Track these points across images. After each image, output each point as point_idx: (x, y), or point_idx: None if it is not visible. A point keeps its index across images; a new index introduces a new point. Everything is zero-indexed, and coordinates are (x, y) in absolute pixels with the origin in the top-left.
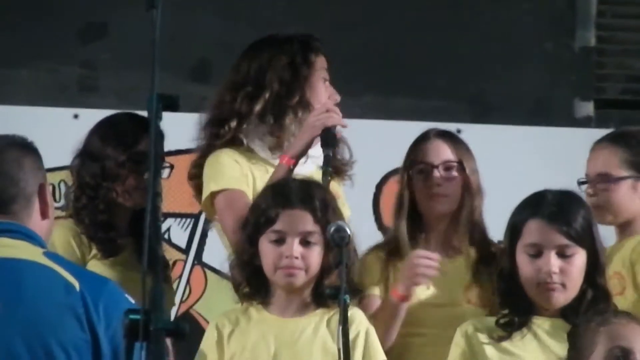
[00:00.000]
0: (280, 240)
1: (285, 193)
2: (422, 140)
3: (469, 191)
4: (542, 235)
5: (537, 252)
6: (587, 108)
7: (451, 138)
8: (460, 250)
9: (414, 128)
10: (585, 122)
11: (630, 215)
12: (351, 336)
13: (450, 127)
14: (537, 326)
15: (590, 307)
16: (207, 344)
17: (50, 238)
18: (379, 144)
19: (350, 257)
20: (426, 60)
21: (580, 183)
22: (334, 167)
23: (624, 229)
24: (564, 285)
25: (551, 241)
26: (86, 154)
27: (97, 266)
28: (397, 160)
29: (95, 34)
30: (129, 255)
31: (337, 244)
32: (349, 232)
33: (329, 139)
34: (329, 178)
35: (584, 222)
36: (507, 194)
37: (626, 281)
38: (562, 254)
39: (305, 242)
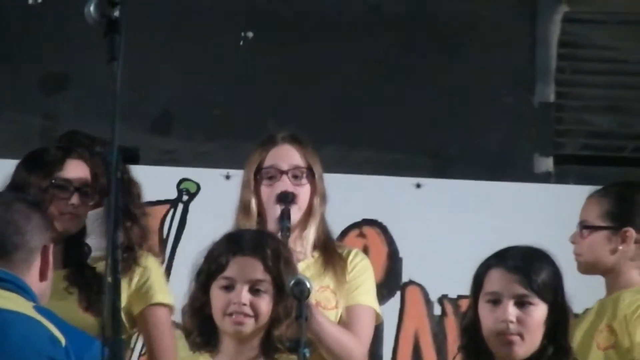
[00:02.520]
0: (229, 287)
1: (237, 241)
2: (269, 144)
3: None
4: (502, 283)
5: (495, 300)
6: (546, 163)
7: (300, 142)
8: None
9: (374, 182)
10: (544, 178)
11: (610, 266)
12: None
13: (410, 181)
14: None
15: None
16: None
17: (45, 300)
18: (339, 197)
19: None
20: (386, 113)
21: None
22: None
23: (611, 282)
24: (521, 336)
25: (509, 290)
26: (12, 185)
27: None
28: (357, 213)
29: (56, 84)
30: (58, 284)
31: (297, 298)
32: (308, 285)
33: (285, 198)
34: (288, 233)
35: (547, 277)
36: (466, 248)
37: (617, 337)
38: (521, 304)
39: (254, 290)
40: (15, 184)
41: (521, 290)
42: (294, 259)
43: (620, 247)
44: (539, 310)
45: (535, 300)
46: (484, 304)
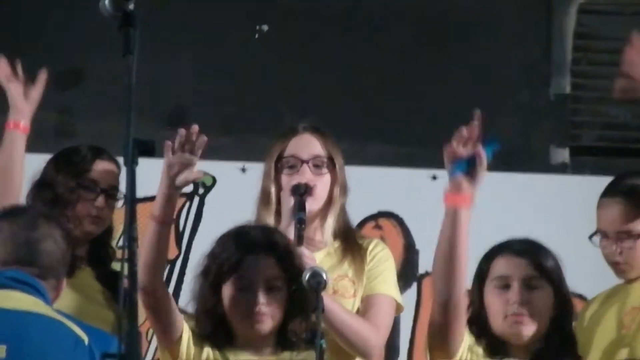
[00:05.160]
0: (244, 288)
1: (247, 239)
2: (290, 134)
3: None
4: (509, 267)
5: (504, 285)
6: (562, 155)
7: (321, 133)
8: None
9: (390, 174)
10: (561, 169)
11: None
12: None
13: (427, 173)
14: None
15: (558, 351)
16: None
17: None
18: (355, 190)
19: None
20: (402, 107)
21: (592, 236)
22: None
23: None
24: (531, 317)
25: (517, 272)
26: (40, 182)
27: None
28: (373, 205)
29: (72, 80)
30: (86, 279)
31: (314, 289)
32: (325, 277)
33: (298, 189)
34: (303, 226)
35: (553, 263)
36: (483, 240)
37: None
38: (529, 286)
39: (270, 288)
40: (44, 181)
41: (530, 271)
42: (303, 252)
43: None
44: (547, 293)
45: (543, 283)
46: (492, 290)
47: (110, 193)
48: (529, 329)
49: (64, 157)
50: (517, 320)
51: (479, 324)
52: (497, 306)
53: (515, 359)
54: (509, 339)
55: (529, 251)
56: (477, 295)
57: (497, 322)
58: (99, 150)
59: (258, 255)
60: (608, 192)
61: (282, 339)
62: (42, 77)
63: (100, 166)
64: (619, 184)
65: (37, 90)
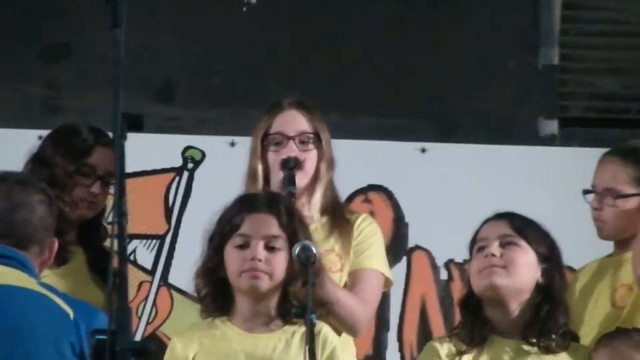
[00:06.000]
0: (244, 245)
1: (251, 200)
2: (275, 110)
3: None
4: (489, 229)
5: (484, 246)
6: (551, 126)
7: (306, 108)
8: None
9: (379, 147)
10: (549, 141)
11: (631, 233)
12: (326, 352)
13: (415, 145)
14: (495, 346)
15: (548, 323)
16: None
17: None
18: (344, 163)
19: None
20: (390, 79)
21: (585, 192)
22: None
23: (624, 244)
24: (505, 268)
25: (495, 232)
26: (38, 159)
27: (47, 275)
28: (362, 179)
29: (59, 54)
30: (80, 266)
31: (303, 263)
32: (314, 251)
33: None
34: (292, 199)
35: (537, 232)
36: (472, 212)
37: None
38: (506, 243)
39: (269, 247)
40: (41, 159)
41: (506, 230)
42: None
43: None
44: (526, 253)
45: (521, 242)
46: (475, 255)
47: (106, 179)
48: (501, 280)
49: (64, 137)
50: (489, 270)
51: (468, 298)
52: (475, 266)
53: (505, 338)
54: (485, 295)
55: (510, 214)
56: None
57: (475, 280)
58: (99, 134)
59: (259, 213)
60: (609, 151)
61: (284, 307)
62: None
63: (100, 152)
64: (622, 145)
65: None
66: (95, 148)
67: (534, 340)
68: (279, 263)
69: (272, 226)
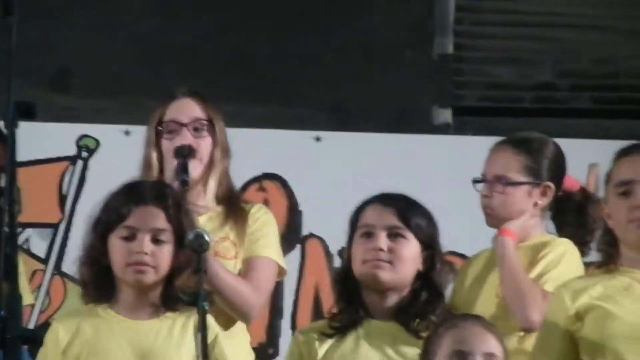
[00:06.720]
0: (130, 237)
1: (138, 190)
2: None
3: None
4: (376, 216)
5: (369, 233)
6: (445, 115)
7: (200, 96)
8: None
9: (274, 135)
10: (443, 129)
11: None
12: (210, 339)
13: (310, 134)
14: (371, 329)
15: (424, 309)
16: (50, 353)
17: None
18: (239, 152)
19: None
20: (287, 68)
21: (475, 181)
22: None
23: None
24: (391, 263)
25: (383, 221)
26: None
27: None
28: (257, 167)
29: None
30: None
31: (196, 251)
32: (207, 238)
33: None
34: (186, 187)
35: (423, 220)
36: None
37: None
38: (392, 234)
39: (156, 240)
40: None
41: (394, 221)
42: (192, 210)
43: (540, 202)
44: (411, 245)
45: (408, 234)
46: (358, 239)
47: None
48: (387, 275)
49: None
50: (376, 264)
51: (345, 280)
52: (360, 253)
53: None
54: (366, 283)
55: (397, 203)
56: (347, 252)
57: (358, 266)
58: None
59: (147, 205)
60: (502, 140)
61: (168, 296)
62: None
63: None
64: (515, 135)
65: None
66: None
67: (409, 324)
68: (165, 256)
69: (159, 219)
